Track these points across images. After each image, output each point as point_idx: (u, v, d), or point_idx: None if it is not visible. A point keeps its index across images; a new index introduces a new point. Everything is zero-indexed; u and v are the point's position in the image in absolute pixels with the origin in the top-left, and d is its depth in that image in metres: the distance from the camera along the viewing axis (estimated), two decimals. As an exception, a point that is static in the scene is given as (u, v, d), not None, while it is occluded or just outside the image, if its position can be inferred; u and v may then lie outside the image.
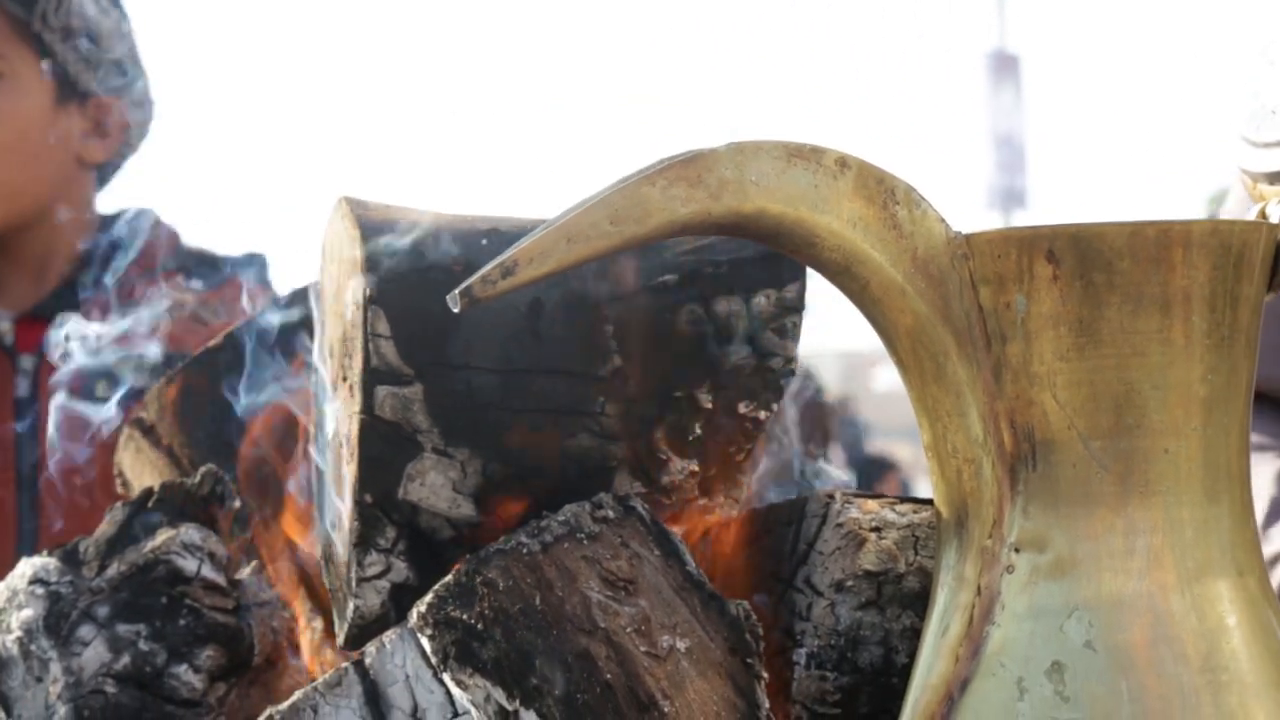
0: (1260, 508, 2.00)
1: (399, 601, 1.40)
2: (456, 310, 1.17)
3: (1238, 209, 1.96)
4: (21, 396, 2.46)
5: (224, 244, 2.60)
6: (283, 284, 2.41)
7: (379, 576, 1.41)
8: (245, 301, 1.85)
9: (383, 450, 1.39)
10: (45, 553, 1.52)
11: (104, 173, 2.55)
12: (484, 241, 1.41)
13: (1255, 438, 1.95)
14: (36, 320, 2.48)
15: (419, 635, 1.32)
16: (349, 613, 1.41)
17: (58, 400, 1.83)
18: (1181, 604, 1.20)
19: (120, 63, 2.49)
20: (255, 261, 2.55)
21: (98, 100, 2.49)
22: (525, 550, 1.34)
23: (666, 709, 1.30)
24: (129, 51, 2.51)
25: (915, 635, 1.37)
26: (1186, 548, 1.21)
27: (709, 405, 1.44)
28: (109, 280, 2.28)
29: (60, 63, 2.44)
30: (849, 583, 1.41)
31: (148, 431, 1.71)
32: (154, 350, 1.82)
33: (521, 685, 1.29)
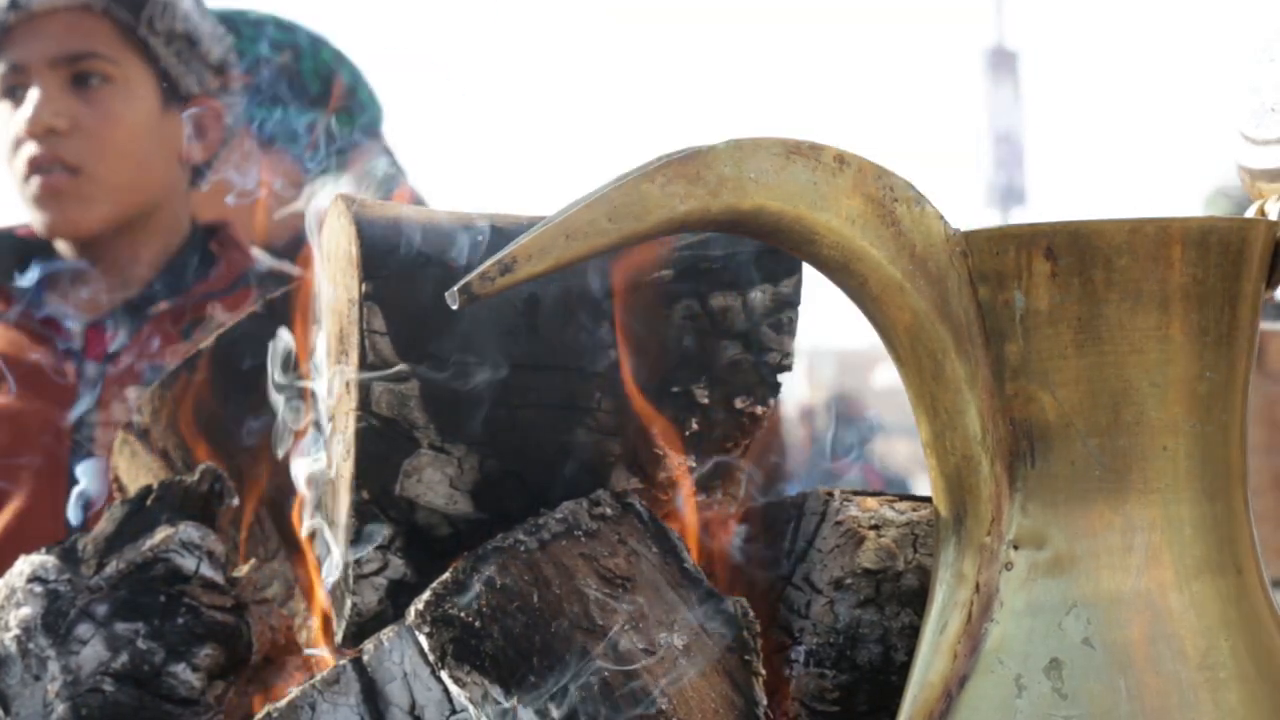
0: None
1: (396, 599, 1.40)
2: (455, 307, 1.17)
3: None
4: (85, 405, 2.43)
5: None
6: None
7: (376, 573, 1.40)
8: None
9: (379, 446, 1.39)
10: (44, 550, 1.52)
11: (197, 174, 2.56)
12: (480, 238, 1.41)
13: None
14: (108, 327, 2.46)
15: (417, 633, 1.32)
16: (347, 610, 1.41)
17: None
18: (1180, 601, 1.20)
19: (220, 65, 2.52)
20: None
21: (199, 102, 2.51)
22: (523, 547, 1.33)
23: (664, 706, 1.30)
24: (227, 53, 2.53)
25: (914, 633, 1.37)
26: (1185, 545, 1.21)
27: (706, 401, 1.44)
28: (181, 297, 2.32)
29: (164, 66, 2.47)
30: (848, 580, 1.41)
31: (142, 435, 1.71)
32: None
33: (519, 682, 1.29)
